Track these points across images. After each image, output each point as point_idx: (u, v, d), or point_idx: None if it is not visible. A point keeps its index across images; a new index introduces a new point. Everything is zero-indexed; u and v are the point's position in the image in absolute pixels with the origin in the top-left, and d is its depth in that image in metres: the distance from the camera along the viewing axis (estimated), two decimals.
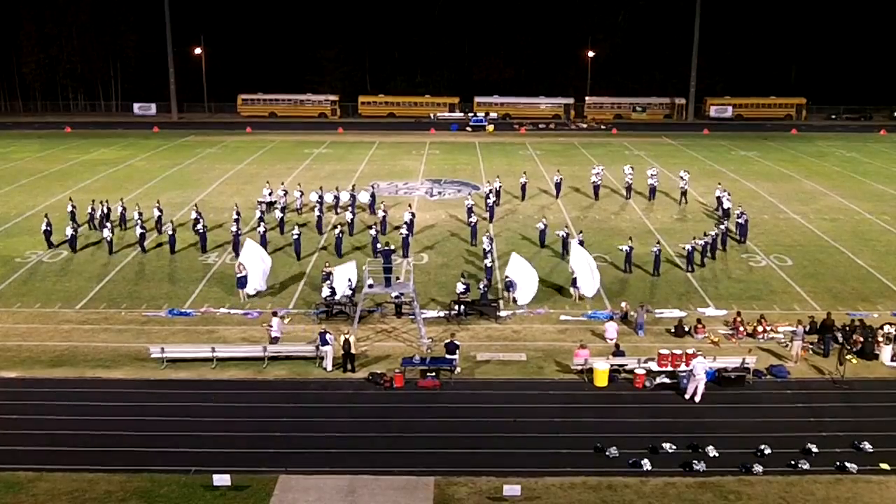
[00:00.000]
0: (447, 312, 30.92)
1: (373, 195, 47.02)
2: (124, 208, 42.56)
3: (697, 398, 24.24)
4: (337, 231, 38.67)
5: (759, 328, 28.92)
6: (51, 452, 21.03)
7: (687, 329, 29.16)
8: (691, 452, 21.16)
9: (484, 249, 36.35)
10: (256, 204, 44.57)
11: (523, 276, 32.23)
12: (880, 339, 27.36)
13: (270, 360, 26.54)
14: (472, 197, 46.34)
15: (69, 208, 42.14)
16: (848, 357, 26.43)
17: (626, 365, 25.95)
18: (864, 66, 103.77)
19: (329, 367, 26.11)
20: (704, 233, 38.69)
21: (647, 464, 20.55)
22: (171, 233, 38.86)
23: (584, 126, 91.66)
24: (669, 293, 33.59)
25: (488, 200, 45.87)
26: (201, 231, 39.13)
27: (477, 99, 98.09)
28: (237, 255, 38.15)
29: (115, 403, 23.88)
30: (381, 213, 42.19)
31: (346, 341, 25.97)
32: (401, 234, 39.03)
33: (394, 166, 62.80)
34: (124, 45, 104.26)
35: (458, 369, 25.81)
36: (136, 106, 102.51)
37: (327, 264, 33.69)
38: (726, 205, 44.81)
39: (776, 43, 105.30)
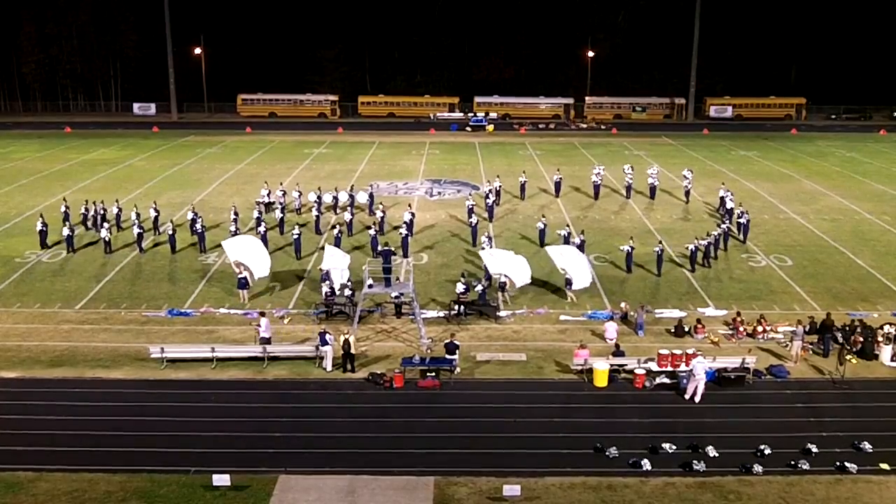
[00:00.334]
0: (447, 312, 30.93)
1: (371, 195, 47.02)
2: (120, 209, 42.48)
3: (697, 398, 24.24)
4: (336, 231, 38.66)
5: (759, 328, 28.92)
6: (51, 452, 21.03)
7: (687, 329, 29.16)
8: (691, 452, 21.16)
9: (483, 248, 36.33)
10: (255, 204, 44.59)
11: (574, 264, 32.27)
12: (880, 339, 27.37)
13: (270, 361, 26.54)
14: (473, 197, 46.32)
15: (63, 209, 42.19)
16: (848, 357, 26.43)
17: (626, 365, 25.95)
18: (864, 66, 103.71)
19: (329, 368, 26.11)
20: (707, 233, 38.71)
21: (646, 464, 20.56)
22: (171, 233, 38.87)
23: (584, 126, 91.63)
24: (669, 293, 33.59)
25: (488, 200, 45.89)
26: (200, 231, 39.13)
27: (477, 99, 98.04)
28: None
29: (115, 403, 23.89)
30: (379, 214, 42.16)
31: (346, 341, 25.97)
32: (400, 233, 39.03)
33: (394, 166, 62.79)
34: (124, 45, 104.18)
35: (458, 369, 25.82)
36: (135, 106, 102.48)
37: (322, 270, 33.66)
38: (729, 205, 44.85)
39: (776, 43, 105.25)
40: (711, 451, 21.07)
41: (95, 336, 28.97)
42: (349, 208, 43.58)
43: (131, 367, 26.33)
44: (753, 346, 27.74)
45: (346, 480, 19.90)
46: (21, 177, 57.21)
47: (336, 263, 31.66)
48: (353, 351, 26.11)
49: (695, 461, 20.64)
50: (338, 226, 39.88)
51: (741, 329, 28.99)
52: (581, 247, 36.85)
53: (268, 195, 46.22)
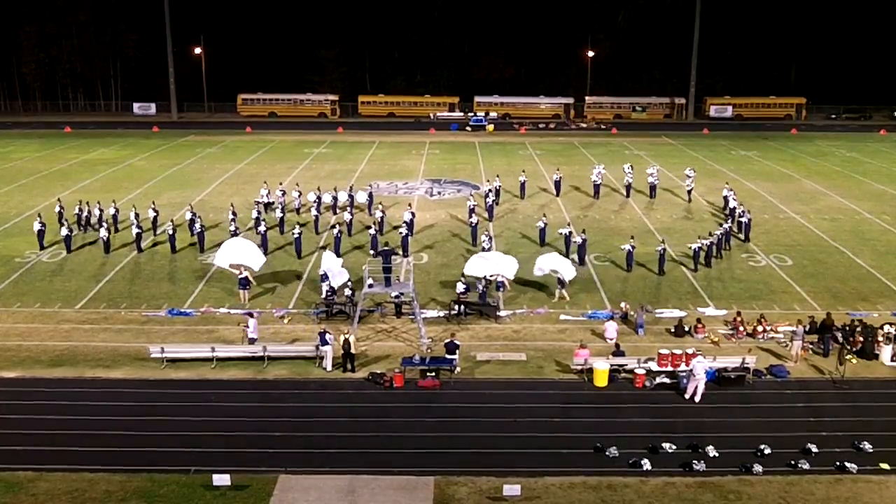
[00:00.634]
0: (447, 312, 30.92)
1: (370, 195, 47.02)
2: (117, 209, 42.37)
3: (697, 398, 24.24)
4: (335, 231, 38.65)
5: (759, 328, 28.92)
6: (51, 452, 21.03)
7: (687, 329, 29.16)
8: (691, 452, 21.16)
9: (483, 248, 36.40)
10: (253, 204, 44.58)
11: (559, 263, 32.48)
12: (880, 338, 27.36)
13: (270, 360, 26.54)
14: (475, 197, 46.27)
15: (57, 209, 42.18)
16: (848, 357, 26.43)
17: (626, 365, 25.95)
18: (864, 66, 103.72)
19: (329, 367, 26.10)
20: (710, 232, 38.73)
21: (647, 464, 20.55)
22: (171, 232, 38.87)
23: (584, 126, 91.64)
24: (670, 293, 33.59)
25: (488, 200, 45.91)
26: (199, 231, 39.14)
27: (477, 98, 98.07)
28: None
29: (115, 403, 23.88)
30: (378, 214, 42.11)
31: (346, 341, 25.97)
32: (400, 233, 39.04)
33: (394, 166, 62.80)
34: (124, 45, 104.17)
35: (458, 369, 25.82)
36: (135, 106, 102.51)
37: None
38: (731, 204, 44.88)
39: (776, 43, 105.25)
40: (711, 451, 21.07)
41: (95, 336, 28.97)
42: (349, 208, 43.58)
43: (131, 367, 26.32)
44: (753, 346, 27.73)
45: (346, 480, 19.90)
46: (21, 176, 57.21)
47: (332, 267, 31.64)
48: (353, 351, 26.11)
49: (695, 461, 20.64)
50: (337, 226, 39.86)
51: (741, 329, 28.99)
52: (583, 246, 36.90)
53: (267, 195, 46.21)
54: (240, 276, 32.44)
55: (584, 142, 77.38)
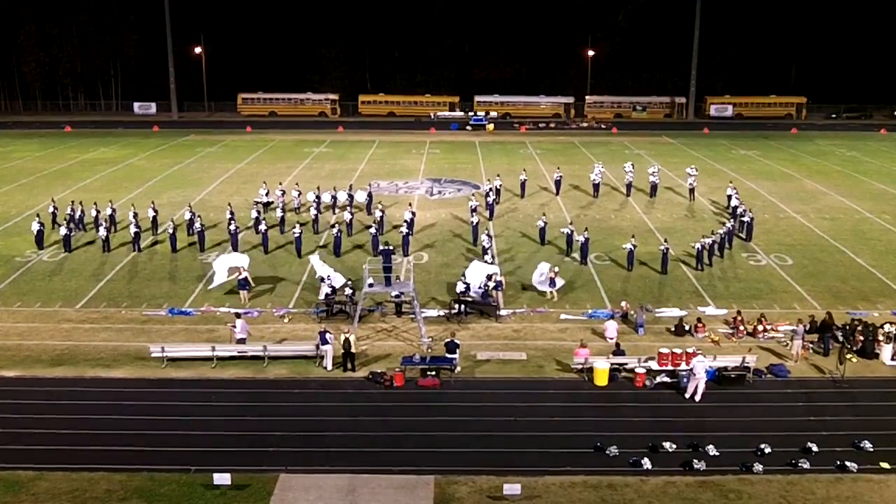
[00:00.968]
0: (447, 311, 30.92)
1: (369, 195, 47.01)
2: (114, 210, 42.32)
3: (698, 397, 24.24)
4: (335, 230, 38.64)
5: (760, 327, 28.91)
6: (51, 452, 21.04)
7: (687, 328, 29.16)
8: (691, 451, 21.16)
9: (483, 247, 36.44)
10: (252, 204, 44.54)
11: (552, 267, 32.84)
12: (881, 338, 27.36)
13: (270, 360, 26.54)
14: (476, 197, 46.18)
15: (50, 209, 42.12)
16: (848, 356, 26.42)
17: (627, 364, 25.95)
18: (864, 65, 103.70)
19: (329, 367, 26.11)
20: (712, 231, 38.71)
21: (647, 463, 20.55)
22: (171, 232, 38.89)
23: (585, 125, 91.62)
24: (670, 292, 33.58)
25: (488, 199, 45.91)
26: (199, 230, 39.14)
27: (477, 98, 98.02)
28: (236, 251, 38.20)
29: (116, 402, 23.88)
30: (378, 213, 42.05)
31: (347, 340, 25.97)
32: (401, 232, 39.04)
33: (394, 165, 62.79)
34: (124, 45, 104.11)
35: (459, 368, 25.82)
36: (136, 105, 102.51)
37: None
38: (734, 203, 44.92)
39: (776, 42, 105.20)
40: (712, 450, 21.07)
41: (96, 335, 28.97)
42: (348, 208, 43.56)
43: (132, 366, 26.33)
44: (754, 346, 27.73)
45: (347, 479, 19.90)
46: (21, 176, 57.22)
47: (327, 272, 31.65)
48: (353, 350, 26.11)
49: (695, 460, 20.64)
50: (337, 225, 39.84)
51: (741, 328, 28.98)
52: (585, 245, 36.91)
53: (266, 195, 46.20)
54: (239, 278, 32.43)
55: (584, 141, 77.37)
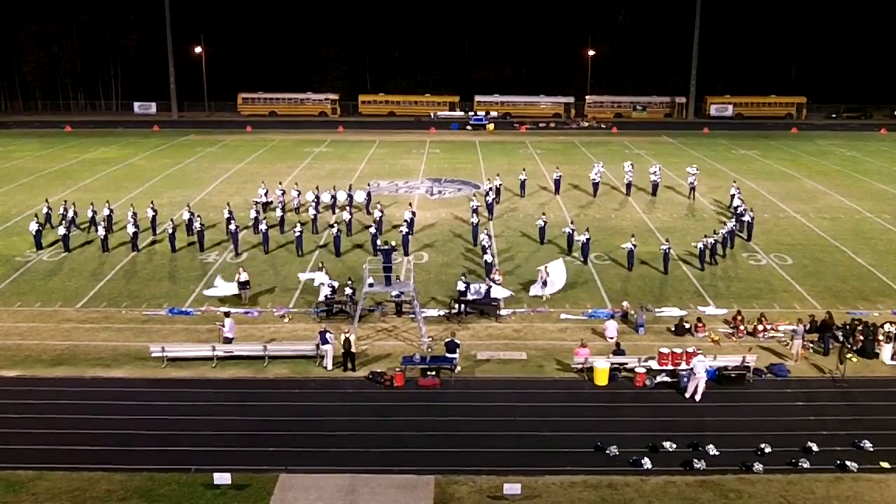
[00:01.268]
0: (447, 311, 30.93)
1: (368, 194, 46.97)
2: (111, 210, 42.26)
3: (698, 397, 24.24)
4: (335, 230, 38.63)
5: (760, 327, 28.91)
6: (51, 451, 21.03)
7: (687, 328, 29.15)
8: (692, 451, 21.16)
9: (483, 247, 36.45)
10: (252, 204, 44.53)
11: (554, 273, 32.55)
12: (881, 337, 27.36)
13: (271, 360, 26.55)
14: (477, 197, 46.11)
15: (44, 210, 42.04)
16: (848, 356, 26.42)
17: (627, 363, 25.95)
18: (864, 65, 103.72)
19: (329, 366, 26.11)
20: (714, 231, 38.71)
21: (647, 462, 20.55)
22: (171, 232, 38.88)
23: (585, 125, 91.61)
24: (670, 292, 33.58)
25: (488, 198, 45.91)
26: (199, 230, 39.15)
27: (477, 98, 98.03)
28: (237, 252, 38.25)
29: (116, 402, 23.88)
30: (377, 213, 41.97)
31: (347, 340, 25.98)
32: (401, 232, 39.04)
33: (394, 165, 62.79)
34: (124, 45, 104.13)
35: (459, 368, 25.82)
36: (136, 105, 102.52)
37: (321, 265, 33.55)
38: (735, 203, 44.94)
39: (776, 42, 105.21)
40: (712, 450, 21.07)
41: (96, 335, 28.97)
42: (348, 208, 43.55)
43: (132, 366, 26.33)
44: (754, 345, 27.74)
45: (347, 479, 19.90)
46: (21, 176, 57.22)
47: (322, 279, 31.63)
48: (353, 350, 26.12)
49: (695, 460, 20.63)
50: (336, 225, 39.81)
51: (742, 328, 28.99)
52: (586, 245, 36.91)
53: (265, 195, 46.18)
54: (240, 279, 32.40)
55: (584, 141, 77.35)
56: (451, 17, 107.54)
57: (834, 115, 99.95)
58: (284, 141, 76.38)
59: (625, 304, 31.17)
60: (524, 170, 53.70)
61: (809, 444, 21.28)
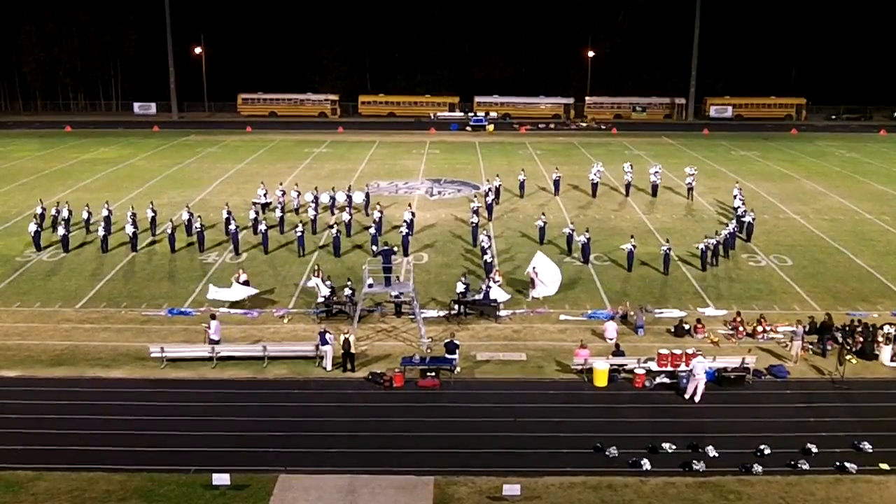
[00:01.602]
0: (447, 312, 30.93)
1: (367, 195, 46.95)
2: (110, 211, 42.25)
3: (697, 398, 24.24)
4: (334, 231, 38.63)
5: (759, 328, 28.91)
6: (51, 451, 21.03)
7: (687, 329, 29.16)
8: (691, 452, 21.16)
9: (482, 247, 36.46)
10: (251, 204, 44.53)
11: (544, 272, 32.41)
12: (880, 339, 27.36)
13: (270, 360, 26.55)
14: (478, 198, 46.07)
15: (39, 210, 42.02)
16: (848, 357, 26.42)
17: (626, 365, 25.95)
18: (864, 66, 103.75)
19: (329, 367, 26.11)
20: (716, 232, 38.74)
21: (646, 463, 20.55)
22: (170, 232, 38.88)
23: (584, 126, 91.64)
24: (670, 293, 33.59)
25: (488, 199, 45.91)
26: (199, 230, 39.15)
27: (477, 98, 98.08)
28: (237, 252, 38.25)
29: (115, 403, 23.87)
30: (377, 214, 41.90)
31: (346, 341, 25.97)
32: (401, 232, 39.05)
33: (394, 166, 62.80)
34: (124, 45, 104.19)
35: (458, 369, 25.82)
36: (136, 105, 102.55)
37: (317, 268, 33.49)
38: (736, 203, 44.97)
39: (776, 43, 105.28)
40: (711, 451, 21.07)
41: (95, 335, 28.97)
42: (347, 208, 43.54)
43: (131, 367, 26.33)
44: (753, 346, 27.73)
45: (346, 480, 19.90)
46: (21, 176, 57.22)
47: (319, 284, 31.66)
48: (353, 350, 26.11)
49: (694, 461, 20.64)
50: (335, 226, 39.82)
51: (741, 329, 28.98)
52: (587, 246, 36.91)
53: (264, 195, 46.17)
54: (239, 280, 32.40)
55: (584, 142, 77.38)
56: (451, 17, 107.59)
57: (834, 117, 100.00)
58: (284, 141, 76.39)
59: (625, 304, 31.14)
60: (523, 170, 53.72)
61: (809, 445, 21.27)
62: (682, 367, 25.05)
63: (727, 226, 40.28)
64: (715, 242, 36.92)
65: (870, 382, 25.72)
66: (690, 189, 50.33)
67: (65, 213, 41.17)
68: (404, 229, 39.12)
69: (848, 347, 27.09)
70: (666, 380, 25.20)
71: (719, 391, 24.79)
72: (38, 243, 38.87)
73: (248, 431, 22.31)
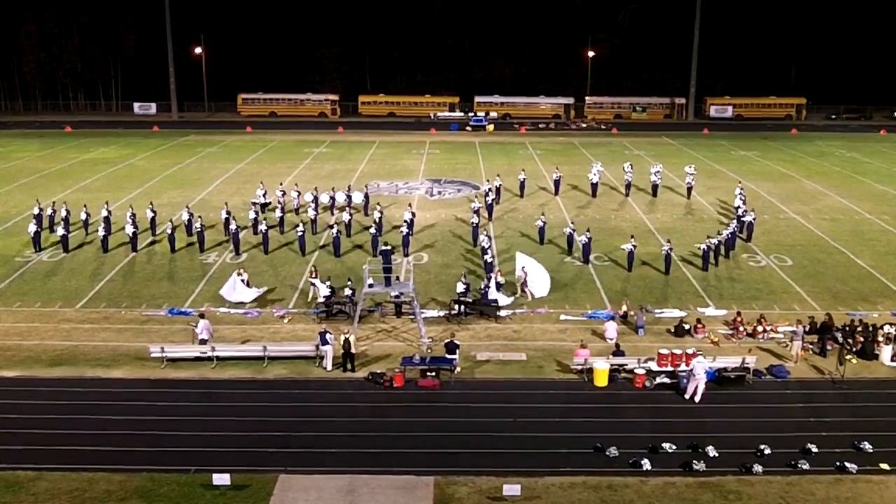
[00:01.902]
0: (447, 312, 30.92)
1: (366, 196, 46.95)
2: (109, 212, 42.19)
3: (697, 398, 24.24)
4: (334, 231, 38.62)
5: (759, 328, 28.91)
6: (51, 452, 21.02)
7: (687, 329, 29.15)
8: (691, 452, 21.15)
9: (483, 247, 36.46)
10: (250, 205, 44.52)
11: (534, 272, 32.43)
12: (880, 339, 27.35)
13: (270, 360, 26.55)
14: (478, 198, 46.04)
15: (35, 210, 42.01)
16: (848, 357, 26.42)
17: (626, 365, 25.94)
18: (864, 66, 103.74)
19: (329, 367, 26.11)
20: (718, 232, 38.74)
21: (646, 464, 20.55)
22: (170, 232, 38.88)
23: (584, 126, 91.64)
24: (670, 293, 33.58)
25: (488, 199, 45.90)
26: (199, 230, 39.15)
27: (477, 98, 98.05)
28: (237, 252, 38.24)
29: (115, 403, 23.87)
30: (377, 214, 41.85)
31: (346, 341, 25.97)
32: (401, 232, 39.04)
33: (394, 166, 62.80)
34: (124, 45, 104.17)
35: (458, 369, 25.81)
36: (136, 105, 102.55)
37: (312, 272, 33.42)
38: (736, 203, 44.96)
39: (776, 43, 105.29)
40: (711, 451, 21.06)
41: (95, 335, 28.97)
42: (347, 208, 43.52)
43: (131, 367, 26.32)
44: (753, 346, 27.73)
45: (346, 480, 19.90)
46: (21, 176, 57.22)
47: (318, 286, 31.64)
48: (353, 350, 26.11)
49: (695, 461, 20.63)
50: (335, 226, 39.81)
51: (741, 329, 28.98)
52: (587, 246, 36.91)
53: (264, 195, 46.16)
54: (240, 279, 32.43)
55: (584, 142, 77.38)
56: (451, 18, 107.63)
57: (834, 116, 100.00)
58: (284, 141, 76.39)
59: (625, 305, 31.14)
60: (523, 170, 53.71)
61: (809, 445, 21.27)
62: (683, 367, 25.04)
63: (728, 226, 40.28)
64: (717, 242, 36.92)
65: (870, 382, 25.71)
66: (690, 189, 50.34)
67: (63, 213, 41.17)
68: (404, 229, 39.11)
69: (848, 347, 27.10)
70: (666, 380, 25.20)
71: (719, 391, 24.78)
72: (37, 244, 38.84)
73: (248, 431, 22.31)
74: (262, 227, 39.62)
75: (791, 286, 34.47)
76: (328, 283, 31.29)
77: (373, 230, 38.73)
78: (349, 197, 45.93)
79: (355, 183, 52.57)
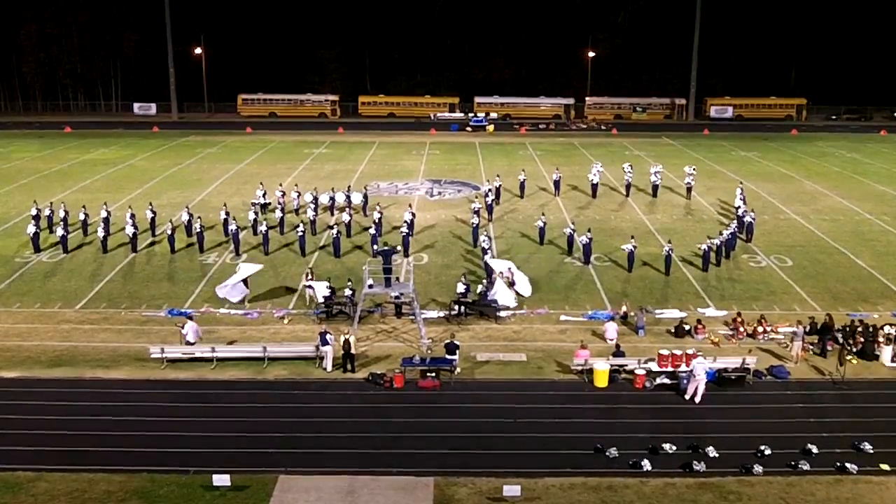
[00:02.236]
0: (447, 313, 30.91)
1: (365, 196, 46.93)
2: (108, 212, 42.18)
3: (697, 399, 24.23)
4: (334, 231, 38.60)
5: (760, 329, 28.90)
6: (50, 452, 21.02)
7: (687, 329, 29.14)
8: (691, 453, 21.14)
9: (483, 248, 36.45)
10: (250, 205, 44.50)
11: (517, 272, 32.45)
12: (881, 339, 27.34)
13: (270, 361, 26.54)
14: (479, 199, 46.02)
15: (33, 211, 41.97)
16: (848, 358, 26.42)
17: (627, 365, 25.93)
18: (864, 66, 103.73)
19: (329, 368, 26.10)
20: (720, 232, 38.73)
21: (647, 464, 20.54)
22: (170, 233, 38.87)
23: (584, 126, 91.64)
24: (670, 293, 33.57)
25: (488, 199, 45.89)
26: (199, 231, 39.14)
27: (477, 99, 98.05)
28: (237, 252, 38.23)
29: (115, 403, 23.86)
30: (376, 214, 41.80)
31: (346, 341, 25.96)
32: (401, 233, 39.03)
33: (394, 166, 62.79)
34: (124, 45, 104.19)
35: (458, 369, 25.79)
36: (136, 106, 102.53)
37: (308, 274, 33.33)
38: (737, 203, 44.95)
39: (776, 43, 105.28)
40: (711, 452, 21.05)
41: (95, 336, 28.95)
42: (347, 209, 43.50)
43: (131, 367, 26.31)
44: (754, 347, 27.72)
45: (346, 481, 19.89)
46: (21, 176, 57.22)
47: (317, 287, 31.49)
48: (353, 351, 26.10)
49: (695, 461, 20.62)
50: (335, 226, 39.79)
51: (741, 329, 28.97)
52: (588, 246, 36.89)
53: (263, 196, 46.14)
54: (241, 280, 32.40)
55: (584, 142, 77.38)
56: (451, 18, 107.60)
57: (834, 117, 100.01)
58: (284, 142, 76.38)
59: (625, 305, 31.13)
60: (523, 170, 53.70)
61: (809, 445, 21.26)
62: (683, 367, 25.03)
63: (728, 226, 40.26)
64: (718, 243, 36.91)
65: (870, 383, 25.70)
66: (689, 189, 50.34)
67: (61, 214, 41.15)
68: (404, 230, 39.10)
69: (848, 348, 27.10)
70: (666, 380, 25.18)
71: (720, 392, 24.77)
72: (37, 245, 38.82)
73: (248, 432, 22.30)
74: (262, 227, 39.60)
75: (791, 287, 34.46)
76: (328, 283, 31.25)
77: (372, 231, 38.70)
78: (349, 197, 45.91)
79: (355, 183, 52.57)
